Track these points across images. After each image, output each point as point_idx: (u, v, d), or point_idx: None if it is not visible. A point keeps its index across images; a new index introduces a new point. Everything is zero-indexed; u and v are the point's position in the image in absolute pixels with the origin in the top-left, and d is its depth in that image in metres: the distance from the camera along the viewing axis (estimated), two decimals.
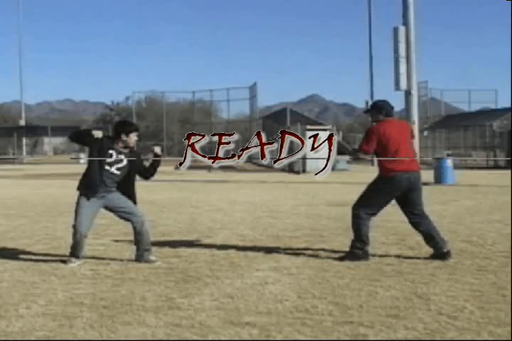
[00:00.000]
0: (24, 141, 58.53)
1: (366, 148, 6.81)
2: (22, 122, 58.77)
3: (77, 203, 6.77)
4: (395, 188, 6.86)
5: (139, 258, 6.83)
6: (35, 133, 60.04)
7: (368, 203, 6.94)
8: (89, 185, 6.72)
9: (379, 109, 7.05)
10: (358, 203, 7.02)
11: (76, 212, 6.75)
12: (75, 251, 6.76)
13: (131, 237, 6.99)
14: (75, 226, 6.74)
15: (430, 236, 6.95)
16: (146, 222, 6.89)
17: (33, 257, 7.15)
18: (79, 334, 4.32)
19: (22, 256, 7.20)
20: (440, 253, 6.89)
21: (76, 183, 6.87)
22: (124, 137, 6.73)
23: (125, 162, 6.77)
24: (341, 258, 6.90)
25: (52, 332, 4.38)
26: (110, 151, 6.71)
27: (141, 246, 6.86)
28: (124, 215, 6.88)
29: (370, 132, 6.92)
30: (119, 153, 6.75)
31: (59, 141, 66.90)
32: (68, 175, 24.37)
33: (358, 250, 6.89)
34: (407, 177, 6.85)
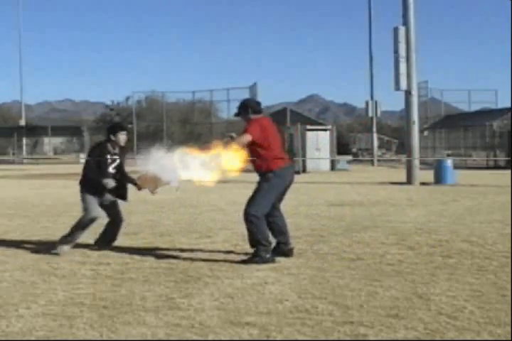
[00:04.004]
0: (24, 141, 58.50)
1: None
2: (22, 122, 58.76)
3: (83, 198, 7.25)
4: (282, 183, 7.02)
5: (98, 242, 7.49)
6: (35, 133, 60.01)
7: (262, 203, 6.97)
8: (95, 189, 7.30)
9: (246, 107, 7.05)
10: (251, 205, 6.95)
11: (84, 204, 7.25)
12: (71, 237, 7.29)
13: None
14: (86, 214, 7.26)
15: (282, 232, 7.07)
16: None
17: (33, 257, 7.15)
18: (79, 334, 4.32)
19: (22, 256, 7.20)
20: (286, 249, 7.01)
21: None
22: (113, 138, 7.41)
23: (118, 160, 7.49)
24: (245, 261, 6.72)
25: (52, 332, 4.38)
26: (107, 156, 7.35)
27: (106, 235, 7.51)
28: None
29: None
30: (113, 154, 7.44)
31: (59, 140, 66.79)
32: (68, 175, 24.38)
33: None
34: (292, 172, 7.15)
